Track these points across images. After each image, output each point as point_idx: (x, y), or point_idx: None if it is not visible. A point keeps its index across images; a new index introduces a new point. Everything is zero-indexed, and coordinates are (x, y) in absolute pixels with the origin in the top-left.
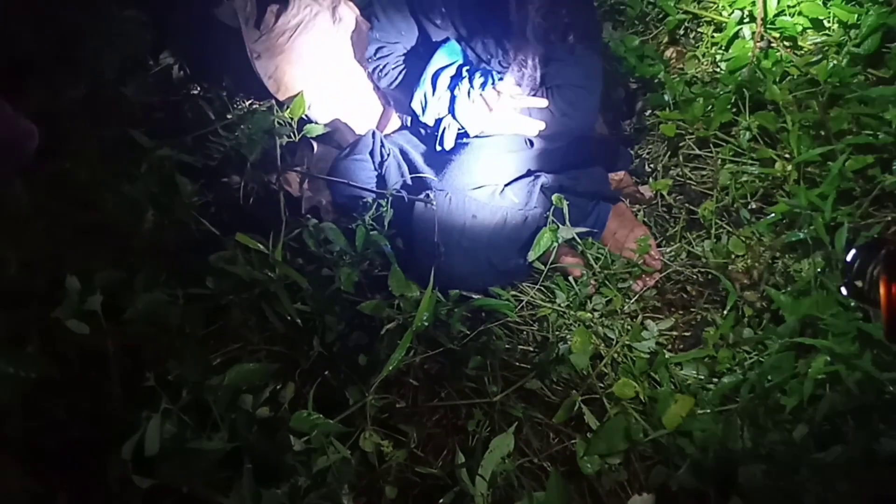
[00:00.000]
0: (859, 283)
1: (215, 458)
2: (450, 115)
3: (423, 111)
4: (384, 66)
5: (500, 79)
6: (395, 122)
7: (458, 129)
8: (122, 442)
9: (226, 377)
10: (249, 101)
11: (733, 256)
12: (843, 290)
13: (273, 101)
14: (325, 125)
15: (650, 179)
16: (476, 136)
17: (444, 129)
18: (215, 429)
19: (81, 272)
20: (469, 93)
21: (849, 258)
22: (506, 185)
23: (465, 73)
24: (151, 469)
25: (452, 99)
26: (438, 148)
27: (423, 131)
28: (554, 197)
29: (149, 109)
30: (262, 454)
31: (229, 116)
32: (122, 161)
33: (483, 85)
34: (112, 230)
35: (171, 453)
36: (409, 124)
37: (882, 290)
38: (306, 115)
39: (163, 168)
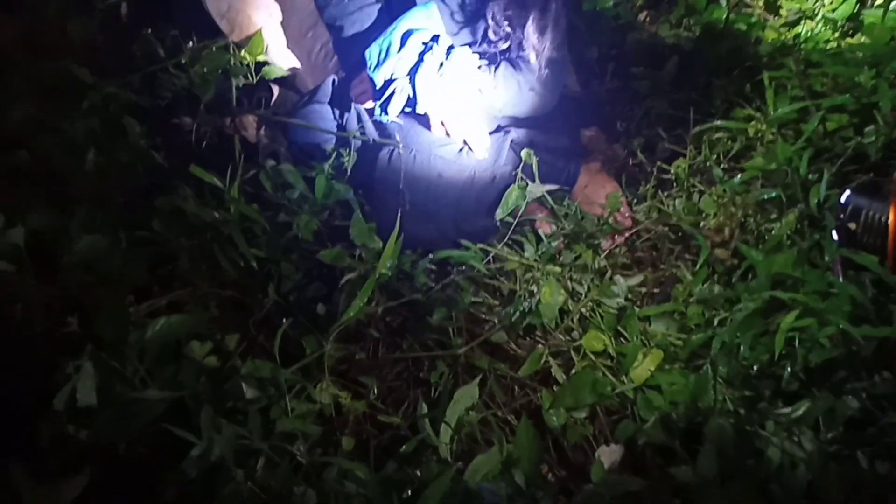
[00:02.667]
0: (852, 226)
1: (157, 411)
2: (408, 78)
3: (378, 65)
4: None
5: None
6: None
7: (408, 97)
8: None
9: (148, 330)
10: (202, 42)
11: (705, 215)
12: (834, 235)
13: (229, 40)
14: (287, 69)
15: (622, 137)
16: (419, 114)
17: (393, 92)
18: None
19: (12, 217)
20: (441, 65)
21: (842, 199)
22: None
23: (441, 43)
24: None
25: (419, 63)
26: (378, 111)
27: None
28: (524, 153)
29: (94, 49)
30: (212, 404)
31: (181, 55)
32: (62, 100)
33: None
34: (49, 172)
35: (106, 406)
36: (336, 82)
37: (892, 216)
38: (265, 57)
39: (107, 108)
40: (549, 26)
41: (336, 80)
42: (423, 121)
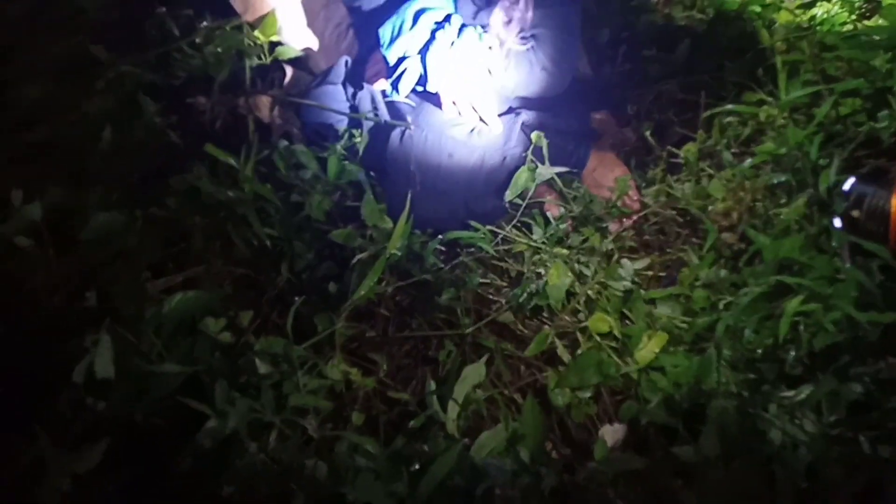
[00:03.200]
0: (855, 213)
1: (173, 384)
2: (419, 56)
3: (391, 42)
4: None
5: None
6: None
7: (419, 75)
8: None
9: (164, 306)
10: (216, 21)
11: (713, 199)
12: (837, 222)
13: (242, 21)
14: (301, 49)
15: (633, 120)
16: (430, 93)
17: (404, 70)
18: (164, 355)
19: (30, 193)
20: (452, 43)
21: (846, 187)
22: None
23: (453, 22)
24: (104, 395)
25: (430, 40)
26: (389, 90)
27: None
28: (534, 135)
29: (108, 26)
30: (226, 378)
31: (195, 35)
32: (79, 78)
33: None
34: (66, 149)
35: (123, 379)
36: (349, 63)
37: (894, 202)
38: (278, 38)
39: (123, 86)
40: (516, 18)
41: (349, 60)
42: (435, 99)
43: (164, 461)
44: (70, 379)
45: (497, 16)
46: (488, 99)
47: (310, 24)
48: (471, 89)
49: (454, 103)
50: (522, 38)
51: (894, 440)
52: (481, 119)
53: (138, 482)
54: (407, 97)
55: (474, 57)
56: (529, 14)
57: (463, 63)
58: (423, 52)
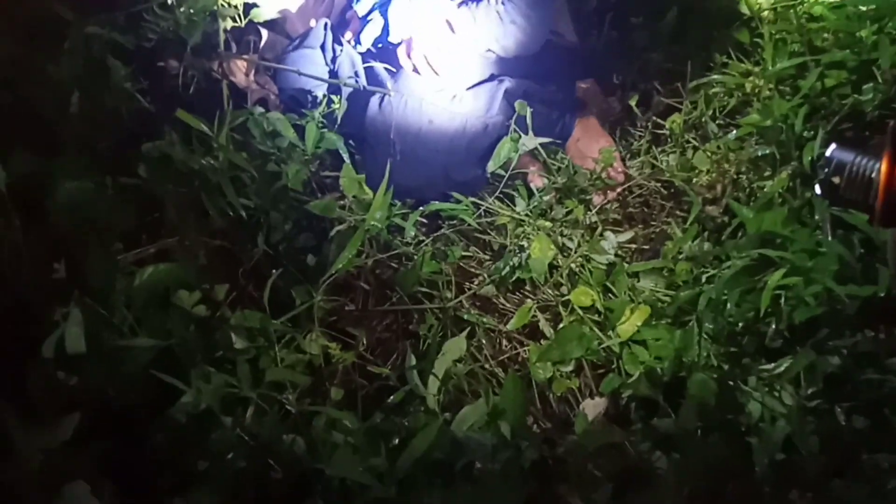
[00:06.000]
0: (836, 180)
1: (146, 359)
2: (381, 8)
3: None
4: None
5: None
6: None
7: (381, 29)
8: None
9: (136, 278)
10: None
11: (697, 171)
12: (817, 189)
13: None
14: (277, 11)
15: (618, 90)
16: (394, 45)
17: (369, 22)
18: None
19: None
20: None
21: (828, 153)
22: (467, 90)
23: None
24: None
25: None
26: (352, 42)
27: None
28: (517, 103)
29: None
30: (201, 353)
31: None
32: (43, 40)
33: None
34: (31, 115)
35: (94, 354)
36: (328, 26)
37: (884, 167)
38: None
39: (90, 49)
40: None
41: (328, 23)
42: (393, 52)
43: (138, 436)
44: (39, 354)
45: None
46: (447, 51)
47: None
48: (428, 40)
49: (408, 56)
50: None
51: (868, 411)
52: (433, 70)
53: (111, 457)
54: (369, 49)
55: (434, 8)
56: None
57: (423, 15)
58: (385, 3)
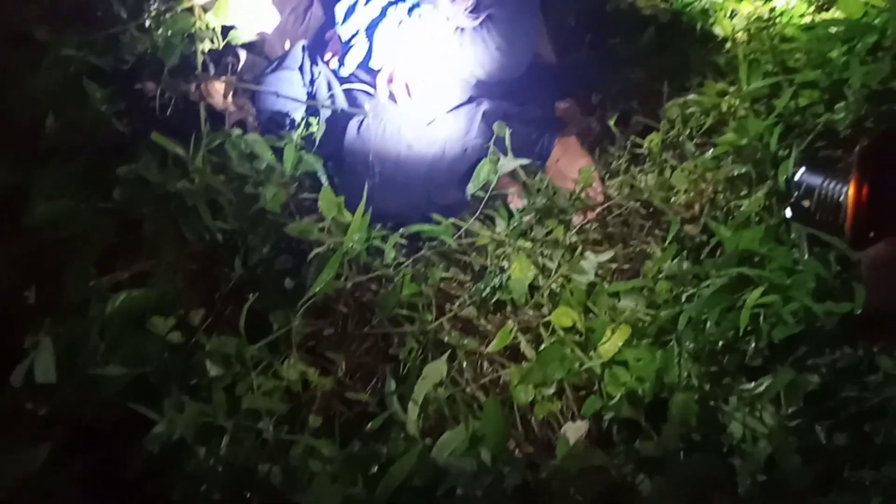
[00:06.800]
0: (806, 203)
1: (119, 386)
2: (367, 32)
3: (345, 19)
4: None
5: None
6: None
7: (364, 54)
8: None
9: (109, 304)
10: (167, 4)
11: (676, 190)
12: (788, 212)
13: (194, 3)
14: (255, 33)
15: (597, 109)
16: (375, 70)
17: (353, 45)
18: (110, 355)
19: None
20: (400, 22)
21: (797, 177)
22: (446, 113)
23: (407, 1)
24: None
25: (380, 16)
26: (336, 65)
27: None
28: (496, 125)
29: (54, 4)
30: (176, 380)
31: (145, 16)
32: (23, 58)
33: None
34: (9, 130)
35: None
36: (306, 48)
37: (851, 191)
38: (232, 22)
39: (67, 69)
40: None
41: (306, 45)
42: (373, 76)
43: (112, 465)
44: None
45: None
46: (429, 80)
47: (266, 7)
48: (411, 69)
49: (389, 81)
50: (472, 14)
51: (849, 428)
52: (409, 95)
53: (84, 487)
54: (352, 73)
55: (425, 35)
56: None
57: (412, 41)
58: (372, 28)
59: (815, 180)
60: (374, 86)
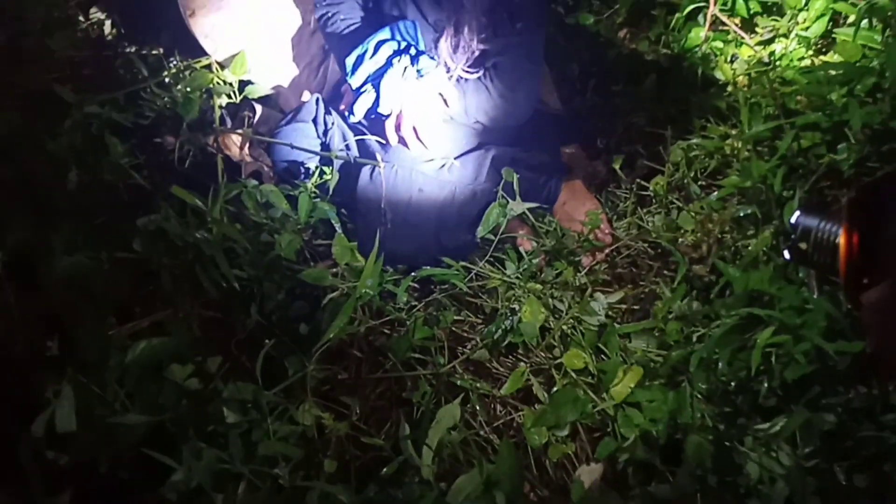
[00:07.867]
0: (803, 246)
1: (137, 435)
2: (373, 81)
3: (354, 71)
4: (334, 14)
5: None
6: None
7: (372, 101)
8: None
9: (129, 354)
10: (186, 61)
11: (683, 231)
12: (786, 254)
13: (212, 60)
14: (271, 87)
15: (603, 154)
16: (384, 116)
17: (362, 94)
18: (128, 404)
19: None
20: (405, 70)
21: (793, 219)
22: (455, 158)
23: (412, 51)
24: (66, 447)
25: (386, 66)
26: (346, 113)
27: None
28: (504, 171)
29: (77, 65)
30: (193, 427)
31: (164, 74)
32: (46, 117)
33: (420, 71)
34: (30, 189)
35: (85, 430)
36: (319, 101)
37: (842, 241)
38: (248, 77)
39: (89, 126)
40: (462, 46)
41: (320, 98)
42: (381, 122)
43: None
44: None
45: (444, 44)
46: (435, 123)
47: (282, 63)
48: (417, 113)
49: (397, 128)
50: (472, 66)
51: (868, 469)
52: (420, 141)
53: None
54: (360, 120)
55: (424, 84)
56: (475, 42)
57: (413, 88)
58: (378, 77)
59: (811, 222)
60: (383, 132)
